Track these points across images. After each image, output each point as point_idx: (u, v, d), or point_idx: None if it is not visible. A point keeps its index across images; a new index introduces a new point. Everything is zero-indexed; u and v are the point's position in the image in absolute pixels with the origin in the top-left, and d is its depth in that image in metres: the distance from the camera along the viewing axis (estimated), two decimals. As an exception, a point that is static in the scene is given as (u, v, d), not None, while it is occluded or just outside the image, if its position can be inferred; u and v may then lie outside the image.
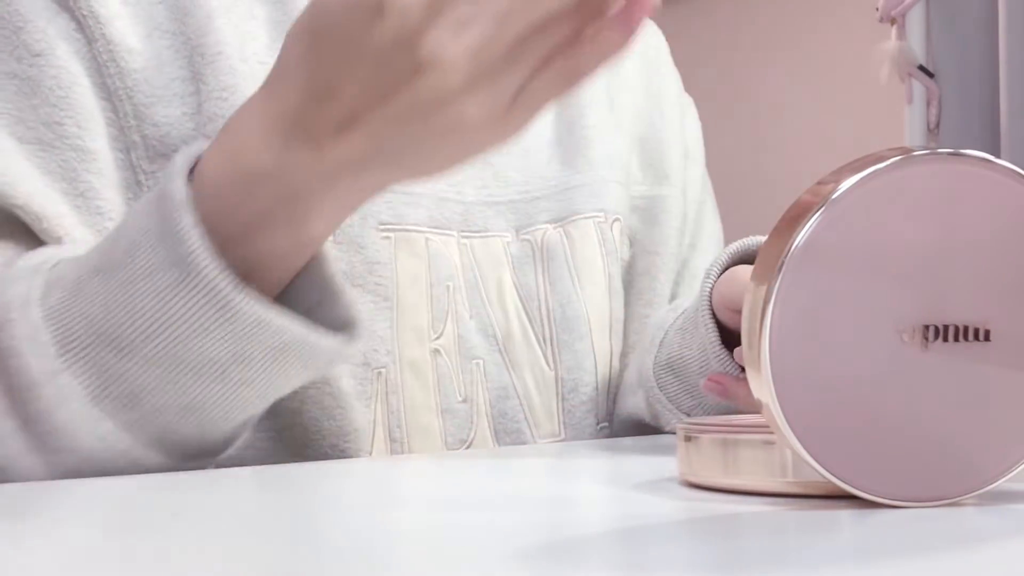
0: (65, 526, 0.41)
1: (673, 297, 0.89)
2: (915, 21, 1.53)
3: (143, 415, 0.55)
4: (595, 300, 0.81)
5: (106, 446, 0.55)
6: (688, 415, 0.78)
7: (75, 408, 0.54)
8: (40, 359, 0.54)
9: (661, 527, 0.37)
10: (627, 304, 0.86)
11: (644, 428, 0.81)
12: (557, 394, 0.79)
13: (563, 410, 0.79)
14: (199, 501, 0.49)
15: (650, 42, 0.96)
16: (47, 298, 0.55)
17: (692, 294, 0.85)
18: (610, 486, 0.50)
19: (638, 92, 0.92)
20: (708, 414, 0.77)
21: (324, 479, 0.55)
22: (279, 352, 0.54)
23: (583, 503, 0.45)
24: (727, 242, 0.77)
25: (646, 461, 0.59)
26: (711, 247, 0.92)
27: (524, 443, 0.77)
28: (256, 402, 0.57)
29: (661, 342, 0.80)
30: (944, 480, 0.37)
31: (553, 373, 0.79)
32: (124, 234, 0.55)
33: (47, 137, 0.66)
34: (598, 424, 0.81)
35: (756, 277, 0.36)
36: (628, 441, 0.75)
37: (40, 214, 0.64)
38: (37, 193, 0.64)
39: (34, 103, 0.66)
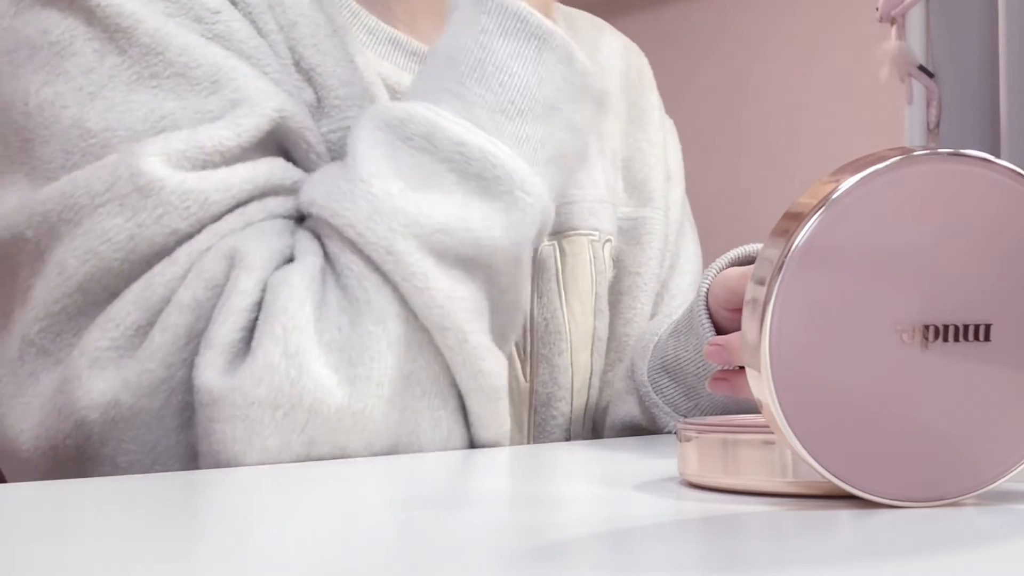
0: (67, 526, 0.41)
1: (653, 316, 0.89)
2: (915, 21, 1.53)
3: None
4: (580, 317, 0.82)
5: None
6: (685, 417, 0.78)
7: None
8: None
9: (661, 527, 0.37)
10: (609, 323, 0.86)
11: (640, 431, 0.81)
12: (529, 406, 0.80)
13: (533, 423, 0.80)
14: (199, 501, 0.49)
15: (633, 63, 0.96)
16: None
17: (671, 313, 0.86)
18: (610, 486, 0.50)
19: (622, 114, 0.92)
20: (705, 415, 0.77)
21: (322, 480, 0.55)
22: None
23: (583, 503, 0.45)
24: (716, 247, 0.77)
25: (646, 461, 0.59)
26: (690, 268, 0.93)
27: None
28: None
29: (654, 346, 0.80)
30: (944, 480, 0.37)
31: (528, 385, 0.80)
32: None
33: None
34: (568, 440, 0.81)
35: (756, 277, 0.36)
36: (628, 441, 0.76)
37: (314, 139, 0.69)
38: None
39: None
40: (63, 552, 0.35)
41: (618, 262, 0.88)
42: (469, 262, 0.64)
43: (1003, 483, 0.38)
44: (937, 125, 1.52)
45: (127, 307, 0.62)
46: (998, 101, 1.45)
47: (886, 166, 0.36)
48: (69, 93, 0.65)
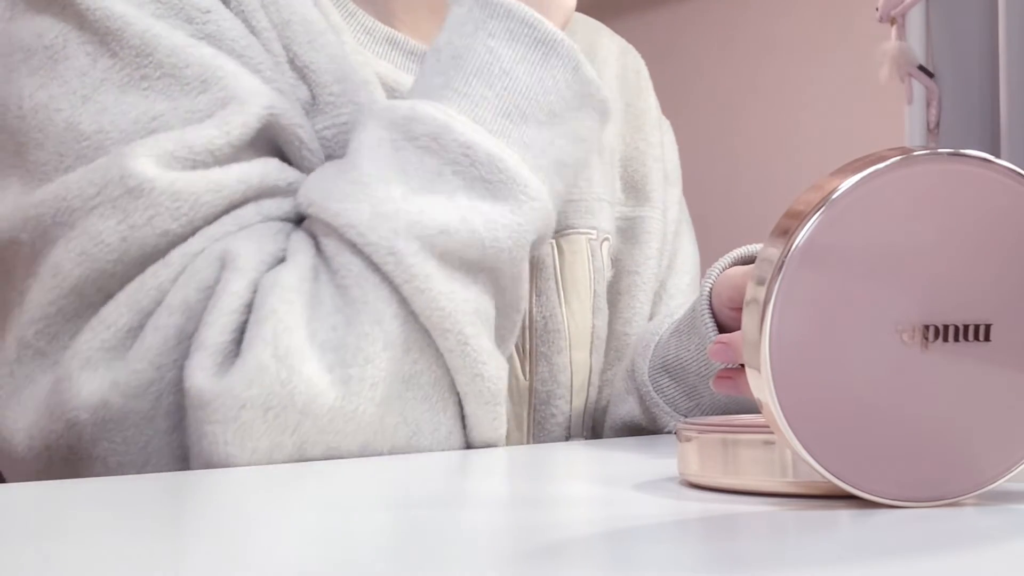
0: (71, 526, 0.41)
1: (652, 316, 0.89)
2: (915, 21, 1.53)
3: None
4: (578, 316, 0.82)
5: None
6: (685, 416, 0.78)
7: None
8: None
9: (661, 527, 0.37)
10: (607, 322, 0.87)
11: (640, 431, 0.81)
12: (529, 404, 0.80)
13: (533, 421, 0.80)
14: (198, 501, 0.49)
15: (630, 65, 0.96)
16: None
17: (670, 313, 0.86)
18: (610, 486, 0.50)
19: (619, 115, 0.93)
20: (705, 415, 0.77)
21: (321, 479, 0.55)
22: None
23: (583, 503, 0.45)
24: (715, 248, 0.78)
25: (646, 461, 0.59)
26: (688, 267, 0.94)
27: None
28: None
29: (655, 346, 0.80)
30: (944, 480, 0.37)
31: (527, 383, 0.80)
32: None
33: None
34: (568, 439, 0.82)
35: (756, 277, 0.36)
36: (628, 441, 0.76)
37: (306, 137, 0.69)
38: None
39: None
40: (57, 553, 0.35)
41: (616, 262, 0.88)
42: (473, 265, 0.64)
43: (1003, 483, 0.38)
44: (937, 125, 1.52)
45: (119, 308, 0.62)
46: (998, 101, 1.45)
47: (886, 166, 0.36)
48: (63, 96, 0.65)
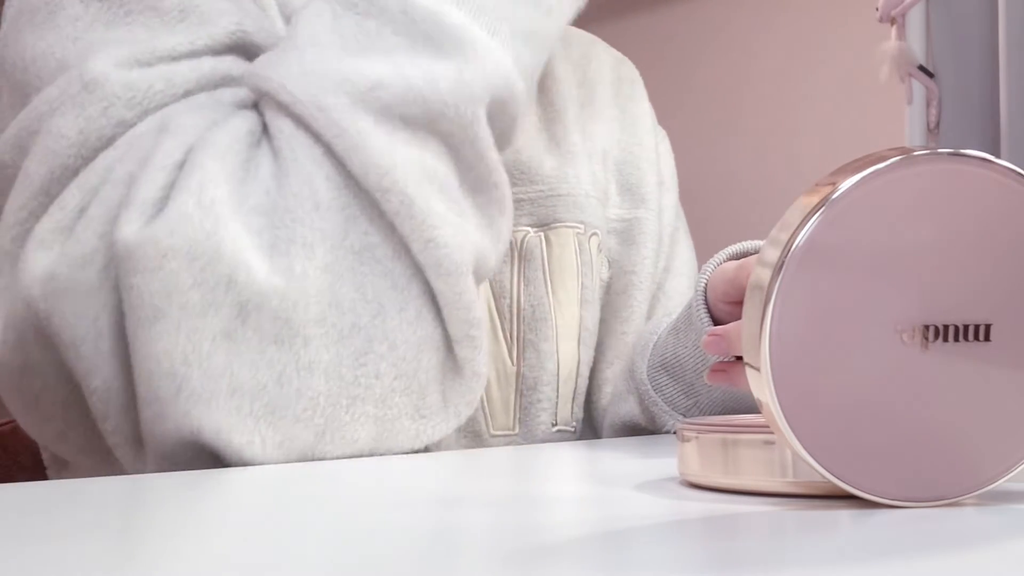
0: (67, 526, 0.41)
1: (649, 317, 0.90)
2: (915, 21, 1.53)
3: None
4: (566, 306, 0.84)
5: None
6: (685, 415, 0.78)
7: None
8: None
9: (660, 527, 0.37)
10: (604, 321, 0.89)
11: (640, 431, 0.82)
12: (516, 389, 0.81)
13: (519, 406, 0.81)
14: (196, 502, 0.49)
15: (625, 75, 0.98)
16: None
17: (669, 312, 0.87)
18: (610, 486, 0.50)
19: (614, 121, 0.94)
20: (705, 413, 0.78)
21: (317, 479, 0.55)
22: None
23: (583, 503, 0.45)
24: (715, 249, 0.78)
25: (646, 461, 0.59)
26: (685, 270, 0.95)
27: (478, 434, 0.79)
28: None
29: (654, 345, 0.81)
30: (944, 480, 0.37)
31: (515, 368, 0.81)
32: None
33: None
34: (553, 426, 0.83)
35: (756, 277, 0.36)
36: (628, 441, 0.76)
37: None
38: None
39: None
40: (56, 553, 0.35)
41: (614, 263, 0.90)
42: (417, 121, 0.61)
43: (1003, 483, 0.38)
44: (937, 125, 1.52)
45: (72, 191, 0.63)
46: (998, 101, 1.45)
47: (886, 166, 0.36)
48: (57, 42, 0.66)
